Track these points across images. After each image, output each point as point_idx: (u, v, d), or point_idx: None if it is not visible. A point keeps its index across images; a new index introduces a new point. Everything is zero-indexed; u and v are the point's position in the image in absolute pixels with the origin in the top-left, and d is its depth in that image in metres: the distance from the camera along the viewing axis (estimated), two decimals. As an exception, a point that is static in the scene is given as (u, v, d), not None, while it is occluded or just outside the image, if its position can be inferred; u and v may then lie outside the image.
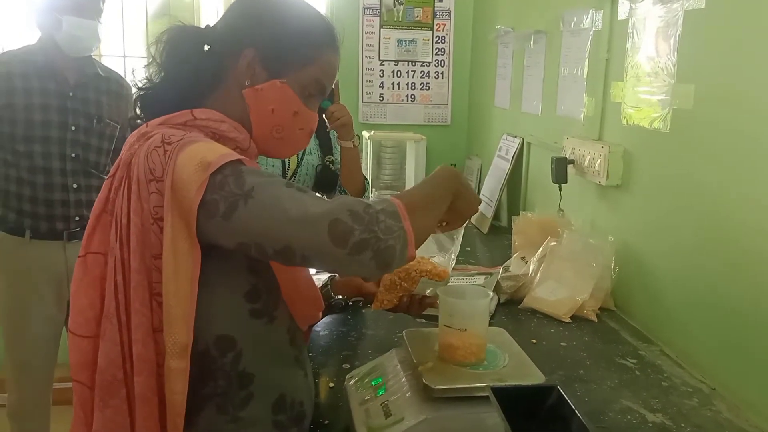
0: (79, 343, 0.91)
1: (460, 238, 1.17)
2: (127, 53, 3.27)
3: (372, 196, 2.94)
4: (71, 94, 2.08)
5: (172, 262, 0.83)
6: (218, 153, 0.84)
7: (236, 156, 0.85)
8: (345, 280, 1.32)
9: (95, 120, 2.13)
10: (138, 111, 1.00)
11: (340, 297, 1.32)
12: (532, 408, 0.88)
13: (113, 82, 2.23)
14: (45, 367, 2.18)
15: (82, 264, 0.92)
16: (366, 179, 1.91)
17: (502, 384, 0.93)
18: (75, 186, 2.10)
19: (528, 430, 0.80)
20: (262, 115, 0.96)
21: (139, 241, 0.86)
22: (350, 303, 1.34)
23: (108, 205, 0.91)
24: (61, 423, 2.34)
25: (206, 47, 1.00)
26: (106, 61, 2.34)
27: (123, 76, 2.32)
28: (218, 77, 0.96)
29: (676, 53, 1.49)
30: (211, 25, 1.02)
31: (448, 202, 0.95)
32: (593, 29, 1.92)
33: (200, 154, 0.83)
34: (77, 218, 2.12)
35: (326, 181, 1.88)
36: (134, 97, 1.00)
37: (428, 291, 1.21)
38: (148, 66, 0.99)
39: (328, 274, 1.33)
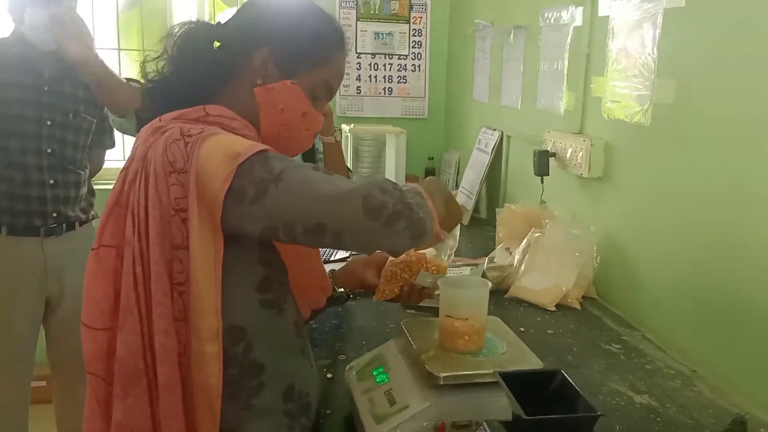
0: (94, 335, 0.91)
1: (457, 236, 1.22)
2: (97, 45, 3.20)
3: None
4: (46, 88, 2.04)
5: (200, 251, 0.85)
6: (245, 144, 0.86)
7: (263, 146, 0.87)
8: (346, 273, 1.34)
9: (71, 115, 2.09)
10: (146, 103, 1.01)
11: (342, 290, 1.34)
12: (536, 392, 0.91)
13: None
14: (24, 365, 2.14)
15: (95, 257, 0.92)
16: (350, 170, 1.93)
17: (510, 370, 0.96)
18: (52, 182, 2.06)
19: (536, 413, 0.84)
20: (272, 114, 0.98)
21: (158, 233, 0.87)
22: (351, 295, 1.36)
23: (121, 198, 0.92)
24: (39, 421, 2.31)
25: (216, 44, 1.00)
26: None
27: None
28: (229, 74, 0.98)
29: (656, 49, 1.55)
30: (222, 22, 1.03)
31: (444, 202, 1.02)
32: (573, 25, 1.97)
33: (226, 145, 0.85)
34: (54, 214, 2.09)
35: None
36: (143, 89, 1.01)
37: (428, 281, 1.24)
38: (158, 59, 1.00)
39: (329, 268, 1.35)
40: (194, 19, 1.02)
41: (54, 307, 2.17)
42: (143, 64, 1.01)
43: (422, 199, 0.89)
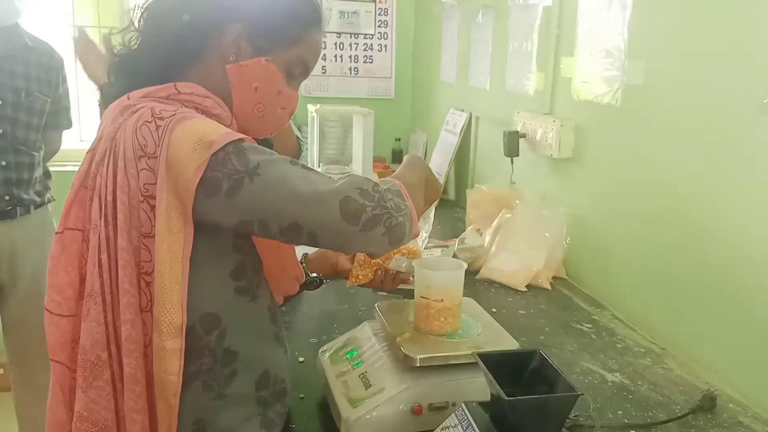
0: (58, 322, 0.87)
1: (431, 218, 1.21)
2: (51, 22, 3.05)
3: (321, 169, 2.91)
4: None
5: (166, 241, 0.81)
6: (219, 131, 0.81)
7: (239, 135, 0.82)
8: (320, 258, 1.32)
9: (23, 94, 2.02)
10: (112, 78, 0.96)
11: (315, 275, 1.32)
12: (514, 372, 0.91)
13: (43, 54, 2.10)
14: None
15: (60, 240, 0.88)
16: (300, 139, 1.88)
17: (488, 351, 0.95)
18: (3, 164, 2.00)
19: (515, 393, 0.83)
20: (245, 92, 0.93)
21: (126, 219, 0.83)
22: (325, 280, 1.33)
23: (87, 180, 0.88)
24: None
25: (186, 17, 0.94)
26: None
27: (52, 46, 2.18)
28: (199, 50, 0.93)
29: (626, 30, 1.54)
30: None
31: (423, 185, 1.01)
32: (543, 5, 1.96)
33: (199, 132, 0.81)
34: (7, 197, 2.02)
35: None
36: (108, 63, 0.96)
37: (403, 266, 1.23)
38: (125, 32, 0.94)
39: (302, 252, 1.32)
40: None
41: (8, 293, 2.10)
42: (108, 37, 0.95)
43: (402, 200, 0.86)
